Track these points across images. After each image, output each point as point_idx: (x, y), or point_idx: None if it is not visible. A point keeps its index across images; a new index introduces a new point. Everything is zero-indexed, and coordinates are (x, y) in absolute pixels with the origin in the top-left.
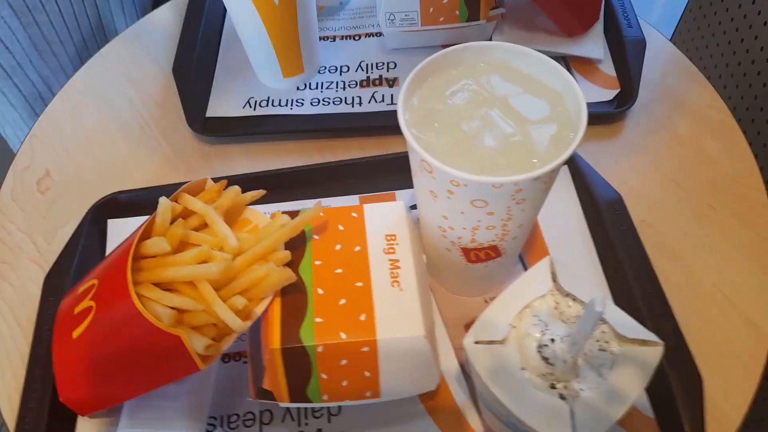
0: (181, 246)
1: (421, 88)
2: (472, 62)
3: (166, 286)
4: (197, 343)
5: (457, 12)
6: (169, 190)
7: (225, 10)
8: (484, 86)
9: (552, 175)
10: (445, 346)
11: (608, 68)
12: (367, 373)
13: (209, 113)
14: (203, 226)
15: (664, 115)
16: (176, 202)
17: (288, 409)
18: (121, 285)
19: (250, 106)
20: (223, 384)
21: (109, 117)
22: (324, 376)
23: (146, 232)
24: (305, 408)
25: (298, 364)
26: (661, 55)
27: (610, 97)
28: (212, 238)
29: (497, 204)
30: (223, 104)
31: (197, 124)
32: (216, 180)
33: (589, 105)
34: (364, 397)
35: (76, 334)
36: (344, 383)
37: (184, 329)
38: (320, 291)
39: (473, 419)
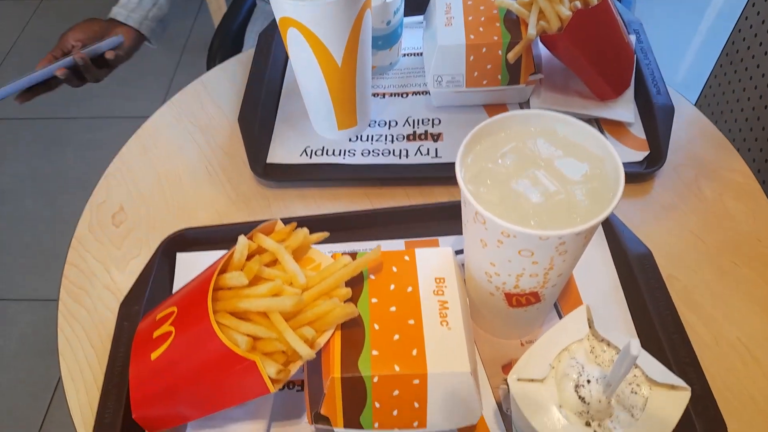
0: (254, 280)
1: (475, 149)
2: (520, 127)
3: (240, 316)
4: (270, 368)
5: (499, 76)
6: (234, 229)
7: (285, 66)
8: (530, 148)
9: (592, 230)
10: (484, 386)
11: (638, 131)
12: (416, 404)
13: (269, 160)
14: (274, 262)
15: (690, 177)
16: (251, 240)
17: None
18: (201, 312)
19: (307, 155)
20: (278, 410)
21: (178, 160)
22: (377, 405)
23: (224, 266)
24: None
25: (355, 392)
26: (687, 120)
27: (640, 158)
28: (283, 274)
29: (542, 254)
30: (282, 152)
31: (259, 169)
32: (285, 222)
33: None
34: (412, 426)
35: (154, 356)
36: (395, 413)
37: (258, 355)
38: (376, 326)
39: None
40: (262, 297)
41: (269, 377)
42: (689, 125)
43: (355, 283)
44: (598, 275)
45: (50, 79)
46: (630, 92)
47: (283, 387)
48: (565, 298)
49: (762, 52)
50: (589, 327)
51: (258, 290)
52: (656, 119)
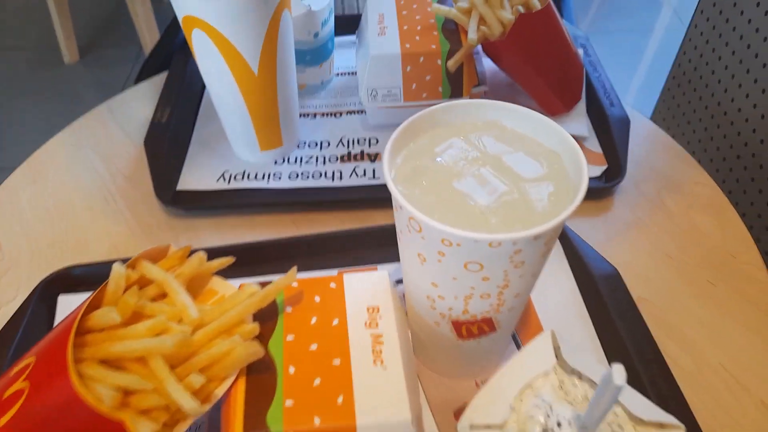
0: (135, 318)
1: (408, 146)
2: (461, 120)
3: (114, 364)
4: (144, 430)
5: (440, 89)
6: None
7: (204, 86)
8: (475, 144)
9: (553, 235)
10: None
11: (593, 145)
12: None
13: (180, 186)
14: (162, 296)
15: (652, 192)
16: (133, 268)
17: None
18: (59, 363)
19: (225, 180)
20: None
21: (73, 190)
22: None
23: (95, 302)
24: None
25: None
26: (644, 135)
27: (598, 173)
28: (171, 309)
29: (493, 267)
30: (195, 178)
31: (166, 195)
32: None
33: None
34: None
35: (2, 422)
36: None
37: (129, 413)
38: (292, 370)
39: None
40: (138, 338)
41: None
42: (646, 139)
43: (268, 317)
44: (559, 300)
45: None
46: (581, 106)
47: None
48: (524, 328)
49: (710, 71)
50: (556, 357)
51: (135, 330)
52: (612, 132)
